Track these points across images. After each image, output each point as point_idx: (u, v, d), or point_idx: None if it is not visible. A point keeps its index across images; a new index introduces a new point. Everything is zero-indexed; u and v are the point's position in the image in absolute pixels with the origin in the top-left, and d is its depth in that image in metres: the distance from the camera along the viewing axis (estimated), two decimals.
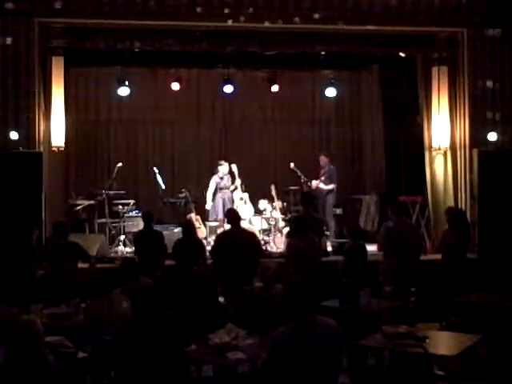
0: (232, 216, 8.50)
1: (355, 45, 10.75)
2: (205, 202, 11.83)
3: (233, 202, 11.76)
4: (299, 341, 4.30)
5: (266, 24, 10.13)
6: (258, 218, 11.61)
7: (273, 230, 11.35)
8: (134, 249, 9.42)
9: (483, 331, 5.93)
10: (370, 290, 7.12)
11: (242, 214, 9.54)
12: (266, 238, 11.24)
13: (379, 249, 8.52)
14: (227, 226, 11.12)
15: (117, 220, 11.14)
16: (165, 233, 9.61)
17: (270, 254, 10.24)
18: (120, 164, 11.44)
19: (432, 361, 5.37)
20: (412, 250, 8.28)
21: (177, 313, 6.58)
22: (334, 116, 13.98)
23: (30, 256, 8.24)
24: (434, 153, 11.03)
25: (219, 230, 11.40)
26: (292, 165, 11.86)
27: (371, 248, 8.83)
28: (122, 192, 11.60)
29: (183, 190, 11.68)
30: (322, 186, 11.61)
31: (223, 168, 11.80)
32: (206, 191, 11.85)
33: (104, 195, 11.05)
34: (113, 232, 11.13)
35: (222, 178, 11.81)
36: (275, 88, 12.58)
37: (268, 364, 4.36)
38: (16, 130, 9.63)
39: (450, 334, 6.04)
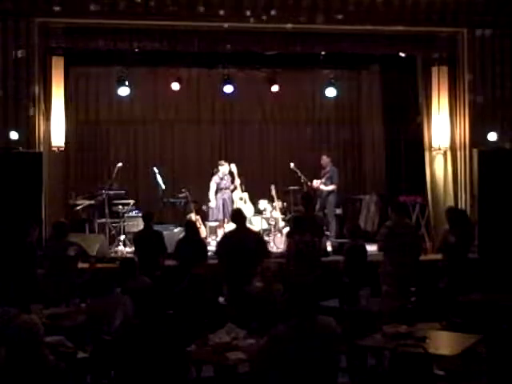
0: (237, 216, 8.49)
1: (355, 45, 10.74)
2: (207, 202, 11.81)
3: (233, 202, 11.76)
4: (297, 339, 4.31)
5: (266, 24, 10.14)
6: (258, 217, 11.61)
7: (273, 230, 11.35)
8: (133, 249, 9.42)
9: (483, 331, 5.93)
10: (370, 289, 7.12)
11: None
12: (266, 237, 11.23)
13: (379, 249, 8.51)
14: (227, 226, 11.17)
15: (117, 220, 11.14)
16: (165, 233, 9.61)
17: (270, 254, 10.23)
18: (120, 164, 11.44)
19: (432, 361, 5.36)
20: (412, 250, 8.28)
21: (177, 313, 6.58)
22: (333, 116, 13.97)
23: (30, 256, 8.24)
24: (434, 153, 11.03)
25: (219, 230, 11.42)
26: (292, 165, 11.86)
27: (371, 248, 8.83)
28: (122, 192, 11.59)
29: (183, 189, 11.67)
30: (322, 187, 11.60)
31: (223, 168, 11.80)
32: (206, 191, 11.84)
33: (104, 195, 11.05)
34: (113, 232, 11.13)
35: (222, 179, 11.81)
36: (275, 88, 12.58)
37: (262, 356, 4.38)
38: (16, 130, 9.63)
39: (450, 334, 6.04)
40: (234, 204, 11.67)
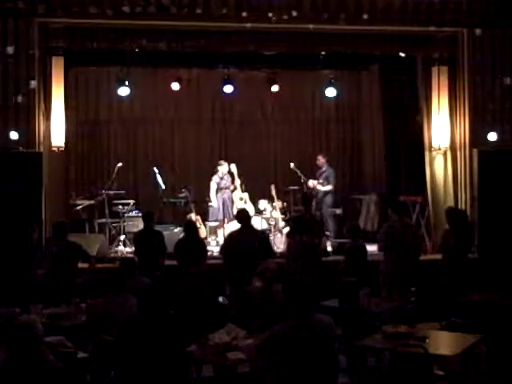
0: (242, 215, 8.49)
1: (355, 45, 10.75)
2: (207, 202, 11.82)
3: (233, 202, 11.77)
4: (294, 338, 4.32)
5: (266, 24, 10.14)
6: (258, 218, 11.61)
7: (273, 230, 11.35)
8: (134, 249, 9.42)
9: (484, 331, 5.93)
10: (370, 289, 7.12)
11: None
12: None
13: (379, 249, 8.52)
14: (227, 226, 11.18)
15: (117, 220, 11.14)
16: (165, 233, 9.60)
17: (274, 254, 10.22)
18: (120, 164, 11.44)
19: (432, 361, 5.36)
20: (412, 249, 8.29)
21: (177, 313, 6.58)
22: (333, 116, 13.96)
23: (30, 256, 8.25)
24: (433, 153, 11.03)
25: (219, 230, 11.43)
26: (292, 165, 11.86)
27: (371, 248, 8.84)
28: (122, 192, 11.59)
29: (183, 190, 11.67)
30: (319, 187, 11.60)
31: (223, 168, 11.80)
32: (206, 191, 11.85)
33: (104, 195, 11.05)
34: (113, 232, 11.13)
35: (222, 178, 11.81)
36: (275, 88, 12.57)
37: (260, 355, 4.40)
38: (16, 130, 9.63)
39: (450, 334, 6.03)
40: (233, 204, 11.67)
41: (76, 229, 10.40)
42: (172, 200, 11.91)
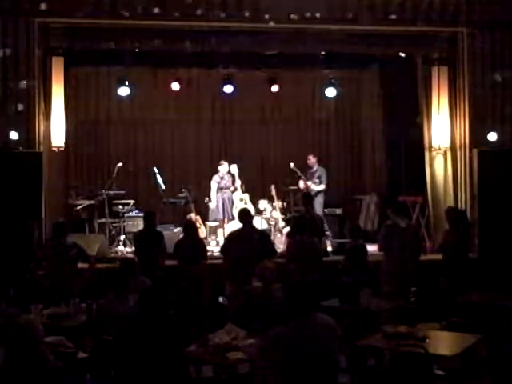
0: (244, 215, 8.48)
1: (355, 45, 10.74)
2: (207, 202, 11.81)
3: (233, 202, 11.76)
4: (296, 338, 4.32)
5: (266, 24, 10.13)
6: (258, 218, 11.60)
7: (273, 230, 11.35)
8: (134, 249, 9.41)
9: (483, 331, 5.93)
10: (370, 290, 7.12)
11: None
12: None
13: (379, 249, 8.52)
14: (227, 226, 11.17)
15: (117, 220, 11.14)
16: (165, 233, 9.60)
17: (275, 254, 10.22)
18: (120, 164, 11.44)
19: (432, 361, 5.36)
20: (412, 249, 8.29)
21: (177, 313, 6.58)
22: (333, 116, 13.96)
23: (30, 256, 8.25)
24: (434, 153, 11.03)
25: (219, 230, 11.42)
26: (292, 165, 11.86)
27: (371, 248, 8.83)
28: (122, 192, 11.58)
29: (183, 190, 11.67)
30: (314, 186, 11.59)
31: (223, 168, 11.81)
32: (206, 192, 11.85)
33: (104, 195, 11.05)
34: (113, 232, 11.13)
35: (222, 178, 11.82)
36: (275, 88, 12.57)
37: (262, 356, 4.39)
38: (16, 130, 9.63)
39: (450, 334, 6.04)
40: (233, 204, 11.67)
41: (76, 229, 10.41)
42: (172, 200, 11.91)
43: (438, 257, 8.87)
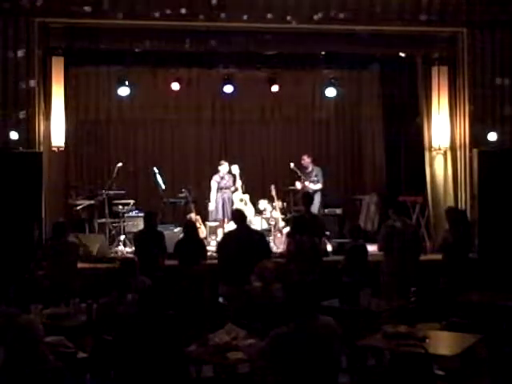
0: (238, 215, 8.48)
1: (355, 45, 10.74)
2: (207, 203, 11.82)
3: (233, 202, 11.76)
4: (298, 339, 4.31)
5: (267, 24, 10.13)
6: (258, 218, 11.60)
7: (273, 230, 11.34)
8: (134, 249, 9.41)
9: (483, 331, 5.93)
10: (370, 290, 7.12)
11: None
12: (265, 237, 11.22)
13: (379, 249, 8.52)
14: (227, 226, 11.17)
15: (117, 220, 11.14)
16: (165, 233, 9.59)
17: (271, 254, 10.22)
18: (120, 164, 11.44)
19: (432, 361, 5.36)
20: (412, 249, 8.29)
21: (177, 313, 6.58)
22: (333, 116, 13.96)
23: (30, 256, 8.24)
24: (434, 153, 11.02)
25: (219, 230, 11.42)
26: (292, 165, 11.85)
27: (371, 248, 8.83)
28: (122, 192, 11.59)
29: (183, 190, 11.67)
30: (311, 186, 11.58)
31: (224, 168, 11.81)
32: (206, 192, 11.85)
33: (104, 195, 11.05)
34: (113, 232, 11.13)
35: (222, 178, 11.82)
36: (275, 88, 12.56)
37: (263, 357, 4.39)
38: (16, 130, 9.63)
39: (450, 334, 6.04)
40: (233, 205, 11.67)
41: (76, 229, 10.41)
42: (172, 200, 11.91)
43: (438, 257, 8.87)
